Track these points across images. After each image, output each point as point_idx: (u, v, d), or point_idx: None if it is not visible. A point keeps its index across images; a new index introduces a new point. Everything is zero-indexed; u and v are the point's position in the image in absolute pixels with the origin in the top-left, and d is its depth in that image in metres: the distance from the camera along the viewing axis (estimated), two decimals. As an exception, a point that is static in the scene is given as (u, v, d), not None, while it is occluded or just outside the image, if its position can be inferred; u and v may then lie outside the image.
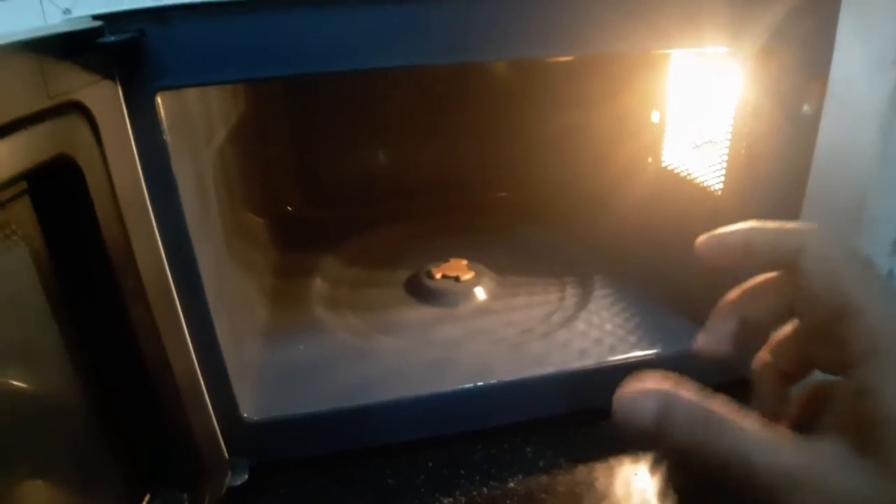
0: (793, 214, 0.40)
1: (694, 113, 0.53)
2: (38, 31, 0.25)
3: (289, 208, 0.75)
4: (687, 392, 0.23)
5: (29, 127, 0.24)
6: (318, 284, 0.59)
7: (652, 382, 0.23)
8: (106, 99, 0.29)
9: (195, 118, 0.43)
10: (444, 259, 0.60)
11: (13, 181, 0.25)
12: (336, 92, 0.72)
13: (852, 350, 0.21)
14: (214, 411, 0.38)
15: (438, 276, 0.58)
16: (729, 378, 0.46)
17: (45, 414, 0.29)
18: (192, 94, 0.42)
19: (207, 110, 0.47)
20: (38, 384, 0.28)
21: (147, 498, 0.34)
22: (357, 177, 0.78)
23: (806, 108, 0.38)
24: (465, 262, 0.60)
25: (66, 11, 0.70)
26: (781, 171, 0.40)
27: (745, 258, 0.25)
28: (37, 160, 0.25)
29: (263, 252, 0.63)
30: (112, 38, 0.28)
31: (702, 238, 0.26)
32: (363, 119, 0.75)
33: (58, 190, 0.27)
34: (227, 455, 0.39)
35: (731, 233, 0.25)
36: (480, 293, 0.56)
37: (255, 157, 0.65)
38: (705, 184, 0.50)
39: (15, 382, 0.27)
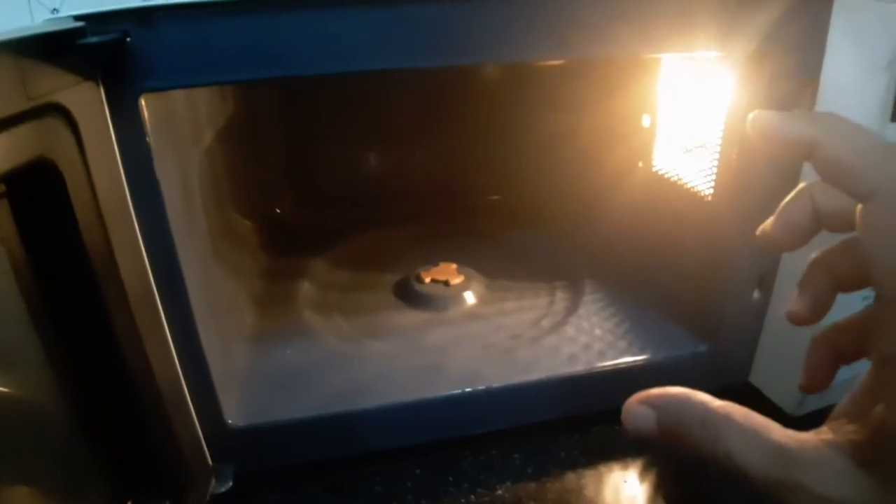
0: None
1: (685, 117, 0.53)
2: (17, 32, 0.25)
3: (277, 211, 0.74)
4: (691, 396, 0.23)
5: (7, 129, 0.24)
6: (307, 288, 0.59)
7: (657, 390, 0.24)
8: (88, 101, 0.29)
9: (181, 119, 0.42)
10: (434, 263, 0.60)
11: (-9, 184, 0.24)
12: (327, 94, 0.72)
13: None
14: (198, 417, 0.37)
15: (428, 280, 0.57)
16: (729, 382, 0.46)
17: (25, 420, 0.28)
18: (177, 94, 0.41)
19: (194, 111, 0.47)
20: (16, 390, 0.28)
21: (129, 505, 0.34)
22: (347, 179, 0.78)
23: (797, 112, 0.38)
24: (454, 265, 0.59)
25: (54, 11, 0.69)
26: (773, 175, 0.39)
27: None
28: (15, 163, 0.24)
29: (251, 255, 0.62)
30: (94, 40, 0.28)
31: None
32: (354, 121, 0.74)
33: (37, 193, 0.27)
34: (211, 462, 0.39)
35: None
36: (470, 297, 0.56)
37: (243, 159, 0.65)
38: (696, 188, 0.50)
39: (-6, 388, 0.26)
